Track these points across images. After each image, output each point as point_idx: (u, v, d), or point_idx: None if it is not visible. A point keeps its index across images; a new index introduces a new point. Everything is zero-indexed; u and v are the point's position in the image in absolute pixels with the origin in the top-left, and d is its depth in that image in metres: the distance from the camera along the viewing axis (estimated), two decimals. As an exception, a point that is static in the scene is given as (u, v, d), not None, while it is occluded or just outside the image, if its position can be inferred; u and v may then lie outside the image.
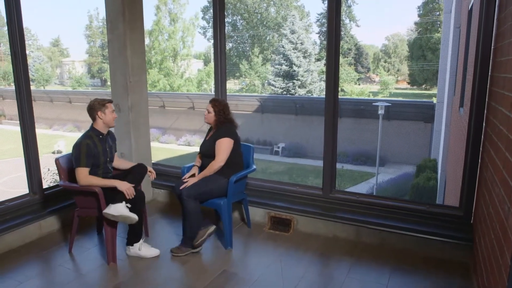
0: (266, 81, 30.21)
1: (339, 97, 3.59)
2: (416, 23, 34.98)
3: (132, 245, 3.14)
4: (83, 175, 2.94)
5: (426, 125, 16.28)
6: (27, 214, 3.41)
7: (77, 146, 2.97)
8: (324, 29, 32.36)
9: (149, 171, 3.26)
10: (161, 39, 30.21)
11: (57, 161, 3.16)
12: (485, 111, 2.91)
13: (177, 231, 3.55)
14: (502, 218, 1.97)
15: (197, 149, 3.61)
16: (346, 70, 32.20)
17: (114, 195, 2.92)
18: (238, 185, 3.37)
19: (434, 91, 28.24)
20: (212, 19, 3.96)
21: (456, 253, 3.06)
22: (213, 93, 5.51)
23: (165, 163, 4.81)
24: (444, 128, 10.35)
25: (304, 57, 27.73)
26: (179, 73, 31.62)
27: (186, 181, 3.19)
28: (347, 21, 35.29)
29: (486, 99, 2.90)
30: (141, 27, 4.08)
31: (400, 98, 28.55)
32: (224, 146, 3.22)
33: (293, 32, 27.72)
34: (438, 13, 31.94)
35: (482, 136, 2.96)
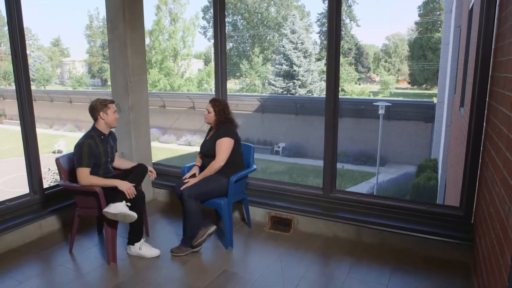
0: (267, 81, 30.21)
1: (340, 97, 3.59)
2: (416, 23, 34.96)
3: (133, 244, 3.14)
4: (84, 175, 2.94)
5: (426, 125, 16.27)
6: (28, 213, 3.41)
7: (79, 145, 2.97)
8: (325, 29, 32.35)
9: (150, 171, 3.27)
10: (162, 39, 30.23)
11: (57, 160, 3.16)
12: (486, 111, 2.91)
13: (177, 231, 3.55)
14: (502, 218, 1.96)
15: (198, 149, 3.61)
16: (346, 70, 32.18)
17: (115, 195, 2.92)
18: (239, 185, 3.37)
19: (434, 91, 28.24)
20: (213, 19, 3.96)
21: (456, 253, 3.06)
22: (213, 93, 5.51)
23: (166, 163, 4.81)
24: (445, 128, 10.35)
25: (305, 57, 27.73)
26: (179, 73, 31.65)
27: (187, 182, 3.19)
28: (347, 21, 35.27)
29: (487, 99, 2.89)
30: (141, 27, 4.08)
31: (401, 98, 28.52)
32: (224, 146, 3.22)
33: (293, 32, 27.71)
34: (438, 12, 31.92)
35: (483, 136, 2.95)
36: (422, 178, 11.24)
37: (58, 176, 3.34)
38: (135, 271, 2.97)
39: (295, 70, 27.38)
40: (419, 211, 3.28)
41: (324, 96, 3.54)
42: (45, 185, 3.62)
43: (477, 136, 2.99)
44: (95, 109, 3.04)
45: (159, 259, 3.12)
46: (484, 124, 2.93)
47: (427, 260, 3.07)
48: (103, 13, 44.67)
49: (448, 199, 8.15)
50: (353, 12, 35.43)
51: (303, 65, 27.44)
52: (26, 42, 3.47)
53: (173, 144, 21.63)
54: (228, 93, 4.05)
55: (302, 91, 27.41)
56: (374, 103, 16.23)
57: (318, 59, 28.85)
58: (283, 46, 28.09)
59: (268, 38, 36.35)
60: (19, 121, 3.42)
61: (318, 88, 27.83)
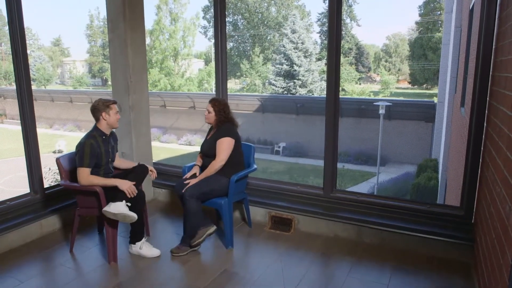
0: (267, 81, 30.21)
1: (340, 96, 3.58)
2: (417, 23, 34.92)
3: (134, 243, 3.15)
4: (85, 175, 2.94)
5: (427, 124, 16.27)
6: (28, 213, 3.41)
7: (81, 145, 2.97)
8: (325, 28, 32.32)
9: (150, 170, 3.27)
10: (162, 38, 30.25)
11: (58, 160, 3.16)
12: (486, 110, 2.91)
13: (177, 231, 3.55)
14: (503, 218, 1.96)
15: (198, 148, 3.62)
16: (347, 70, 32.14)
17: (115, 195, 2.92)
18: (239, 184, 3.37)
19: (435, 90, 28.19)
20: (213, 19, 3.96)
21: (457, 253, 3.06)
22: (214, 92, 5.51)
23: (166, 163, 4.81)
24: (445, 128, 10.34)
25: (305, 56, 27.72)
26: (180, 73, 31.66)
27: (188, 182, 3.19)
28: (348, 20, 35.25)
29: (487, 99, 2.89)
30: (142, 27, 4.08)
31: (401, 98, 28.50)
32: (224, 146, 3.22)
33: (294, 31, 27.71)
34: (439, 12, 31.90)
35: (483, 136, 2.95)
36: (422, 178, 11.24)
37: (59, 176, 3.35)
38: (136, 270, 2.97)
39: (295, 70, 27.37)
40: (420, 211, 3.28)
41: (325, 96, 3.53)
42: (46, 185, 3.62)
43: (478, 135, 2.98)
44: (98, 109, 3.04)
45: (160, 259, 3.13)
46: (485, 123, 2.93)
47: (428, 260, 3.07)
48: (103, 12, 44.68)
49: (449, 199, 8.15)
50: (353, 12, 35.43)
51: (303, 65, 27.44)
52: (27, 41, 3.46)
53: (173, 144, 21.64)
54: (228, 93, 4.05)
55: (302, 91, 27.41)
56: (374, 103, 16.23)
57: (319, 59, 28.85)
58: (284, 46, 28.08)
59: (268, 37, 36.34)
60: (19, 121, 3.42)
61: (318, 88, 27.83)
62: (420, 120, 16.50)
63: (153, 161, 4.49)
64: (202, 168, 3.39)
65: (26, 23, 3.37)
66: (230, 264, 3.09)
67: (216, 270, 2.96)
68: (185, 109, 22.15)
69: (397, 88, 35.97)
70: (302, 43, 27.55)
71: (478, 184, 3.04)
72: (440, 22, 30.77)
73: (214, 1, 3.84)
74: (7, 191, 12.73)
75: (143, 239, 3.16)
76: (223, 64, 3.93)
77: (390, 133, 16.61)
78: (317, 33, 35.40)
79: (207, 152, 3.35)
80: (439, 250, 3.11)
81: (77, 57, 46.35)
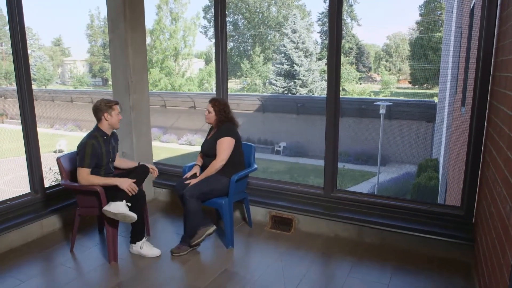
0: (267, 81, 30.21)
1: (341, 96, 3.58)
2: (417, 22, 34.91)
3: (134, 243, 3.15)
4: (85, 175, 2.94)
5: (427, 124, 16.27)
6: (29, 213, 3.41)
7: (82, 145, 2.97)
8: (325, 28, 32.32)
9: (152, 169, 3.27)
10: (162, 38, 30.26)
11: (58, 160, 3.16)
12: (487, 110, 2.90)
13: (178, 230, 3.55)
14: (503, 217, 1.96)
15: (198, 148, 3.62)
16: (347, 70, 32.14)
17: (116, 194, 2.92)
18: (239, 184, 3.37)
19: (435, 90, 28.17)
20: (214, 19, 3.96)
21: (457, 253, 3.06)
22: (214, 92, 5.51)
23: (166, 162, 4.81)
24: (446, 128, 10.34)
25: (305, 56, 27.72)
26: (180, 73, 31.67)
27: (189, 182, 3.19)
28: (348, 20, 35.24)
29: (488, 98, 2.89)
30: (142, 26, 4.08)
31: (402, 98, 28.49)
32: (225, 146, 3.22)
33: (294, 31, 27.71)
34: (439, 12, 31.89)
35: (484, 136, 2.95)
36: (423, 178, 11.24)
37: (59, 176, 3.35)
38: (136, 270, 2.97)
39: (296, 70, 27.37)
40: (420, 211, 3.28)
41: (325, 95, 3.53)
42: (46, 185, 3.62)
43: (478, 135, 2.98)
44: (100, 109, 3.04)
45: (160, 258, 3.13)
46: (485, 123, 2.93)
47: (428, 260, 3.07)
48: (104, 12, 44.71)
49: (449, 198, 8.15)
50: (354, 12, 35.43)
51: (304, 65, 27.44)
52: (27, 41, 3.47)
53: (174, 144, 21.65)
54: (229, 93, 4.05)
55: (303, 91, 27.41)
56: (375, 103, 16.22)
57: (319, 59, 28.85)
58: (284, 46, 28.09)
59: (269, 37, 36.34)
60: (20, 121, 3.42)
61: (319, 88, 27.83)
62: (421, 120, 16.50)
63: (154, 160, 4.49)
64: (203, 168, 3.39)
65: (27, 23, 3.36)
66: (230, 263, 3.09)
67: (216, 270, 2.96)
68: (185, 109, 22.16)
69: (397, 88, 35.97)
70: (303, 42, 27.56)
71: (478, 184, 3.04)
72: (440, 22, 30.75)
73: (214, 0, 3.84)
74: (8, 190, 12.75)
75: (144, 239, 3.17)
76: (224, 63, 3.93)
77: (390, 133, 16.61)
78: (318, 32, 35.47)
79: (208, 152, 3.35)
80: (439, 250, 3.11)
81: (77, 57, 46.41)
